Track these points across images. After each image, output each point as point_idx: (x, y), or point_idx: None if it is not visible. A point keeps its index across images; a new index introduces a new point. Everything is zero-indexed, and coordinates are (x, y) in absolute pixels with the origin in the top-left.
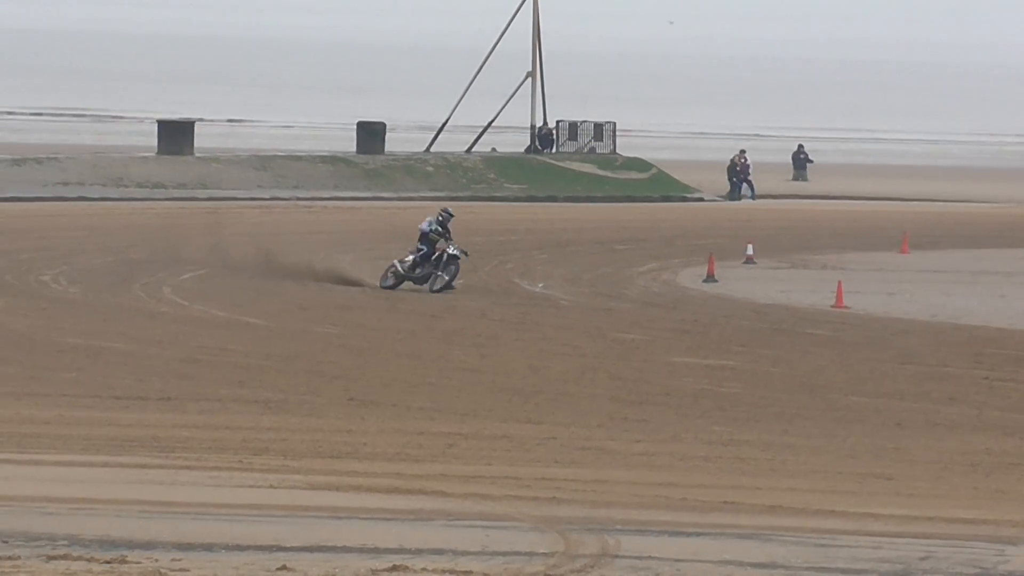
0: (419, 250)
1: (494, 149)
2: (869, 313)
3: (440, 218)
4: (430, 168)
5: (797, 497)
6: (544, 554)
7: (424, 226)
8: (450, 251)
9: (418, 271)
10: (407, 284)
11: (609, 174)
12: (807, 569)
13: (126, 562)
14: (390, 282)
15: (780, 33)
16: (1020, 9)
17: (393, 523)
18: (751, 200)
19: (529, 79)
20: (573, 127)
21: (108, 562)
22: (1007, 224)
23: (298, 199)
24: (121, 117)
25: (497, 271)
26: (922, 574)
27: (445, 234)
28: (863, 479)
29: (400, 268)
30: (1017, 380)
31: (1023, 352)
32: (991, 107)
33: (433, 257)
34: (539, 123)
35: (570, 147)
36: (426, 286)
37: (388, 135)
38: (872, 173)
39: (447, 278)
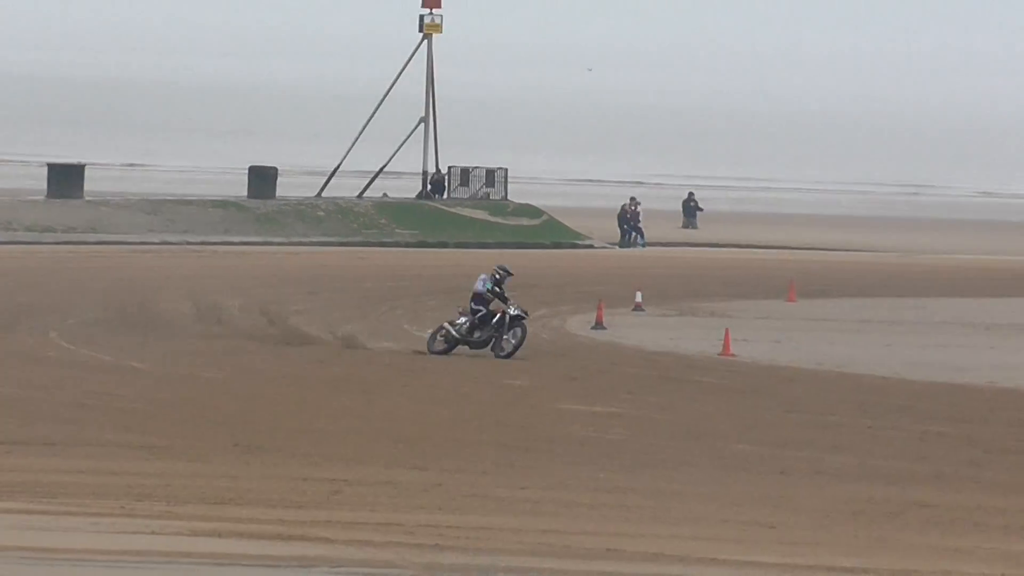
0: (474, 311)
1: (385, 194)
2: (756, 361)
3: (497, 276)
4: (321, 213)
5: (680, 545)
6: None
7: (479, 286)
8: (512, 312)
9: (477, 335)
10: (461, 348)
11: (500, 220)
12: None
13: None
14: (440, 347)
15: (675, 81)
16: (902, 59)
17: (276, 570)
18: (641, 247)
19: (422, 125)
20: (465, 173)
21: None
22: (892, 273)
23: (188, 243)
24: (9, 160)
25: (386, 317)
26: None
27: (501, 293)
28: (747, 527)
29: (454, 331)
30: (900, 428)
31: (907, 401)
32: (876, 157)
33: (494, 319)
34: (431, 169)
35: (462, 193)
36: (488, 350)
37: (280, 179)
38: (760, 221)
39: (514, 342)
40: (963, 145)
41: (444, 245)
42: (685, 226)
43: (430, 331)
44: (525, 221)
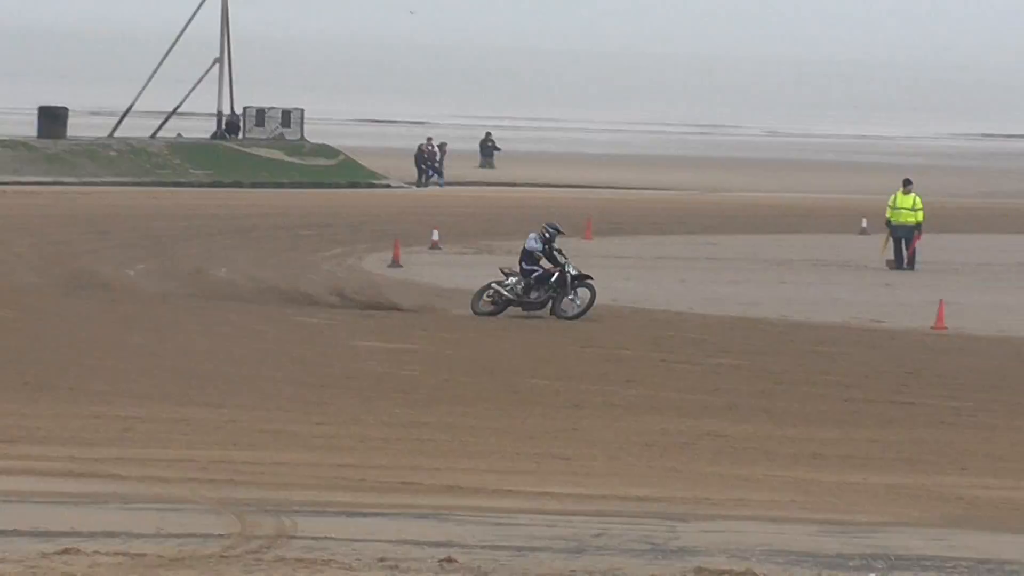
0: (527, 271)
1: (180, 135)
2: None
3: (546, 235)
4: (113, 153)
5: (475, 477)
6: (220, 536)
7: (531, 244)
8: (572, 272)
9: (535, 295)
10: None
11: (296, 160)
12: (483, 548)
13: None
14: (487, 308)
15: (475, 21)
16: (693, 4)
17: (66, 507)
18: (439, 187)
19: (217, 65)
20: (261, 113)
21: None
22: (686, 211)
23: None
24: None
25: (180, 256)
26: (596, 551)
27: (550, 252)
28: (541, 459)
29: (505, 292)
30: (693, 362)
31: (700, 335)
32: (668, 98)
33: (553, 279)
34: (226, 110)
35: (257, 134)
36: (547, 311)
37: (71, 120)
38: (556, 161)
39: (579, 304)
40: (749, 88)
41: (239, 185)
42: (482, 166)
43: (475, 292)
44: (321, 161)
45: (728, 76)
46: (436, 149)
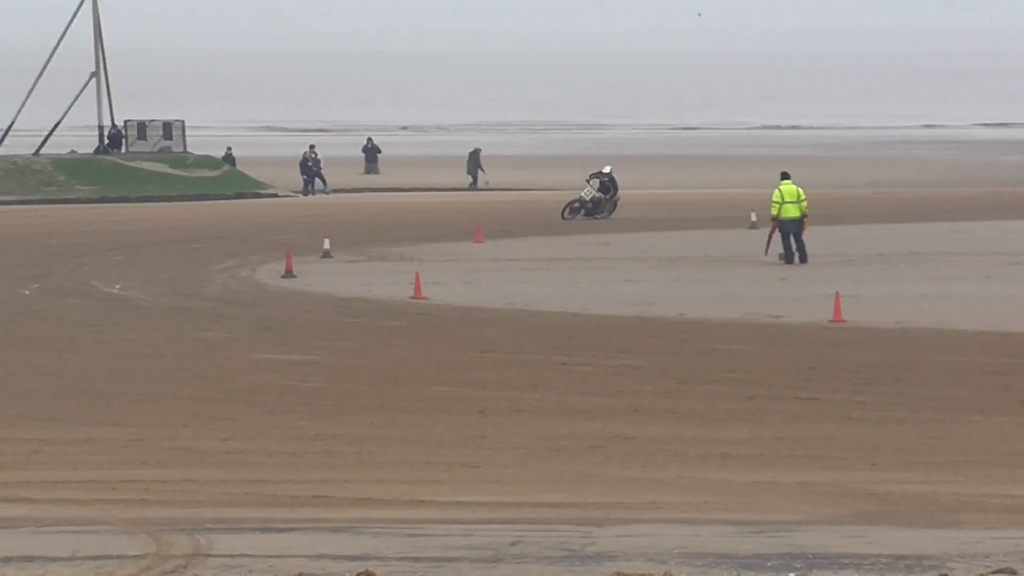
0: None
1: (73, 151)
2: (448, 303)
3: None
4: None
5: (386, 489)
6: (135, 556)
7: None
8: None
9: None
10: None
11: (181, 172)
12: (399, 560)
13: None
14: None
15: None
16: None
17: None
18: (325, 194)
19: (94, 79)
20: (142, 126)
21: None
22: None
23: None
24: None
25: (73, 274)
26: (513, 559)
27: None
28: (450, 467)
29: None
30: (594, 365)
31: (599, 337)
32: (555, 95)
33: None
34: (107, 123)
35: (140, 147)
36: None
37: None
38: (440, 164)
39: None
40: (632, 83)
41: (126, 200)
42: (367, 171)
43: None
44: (206, 172)
45: (610, 72)
46: (320, 156)
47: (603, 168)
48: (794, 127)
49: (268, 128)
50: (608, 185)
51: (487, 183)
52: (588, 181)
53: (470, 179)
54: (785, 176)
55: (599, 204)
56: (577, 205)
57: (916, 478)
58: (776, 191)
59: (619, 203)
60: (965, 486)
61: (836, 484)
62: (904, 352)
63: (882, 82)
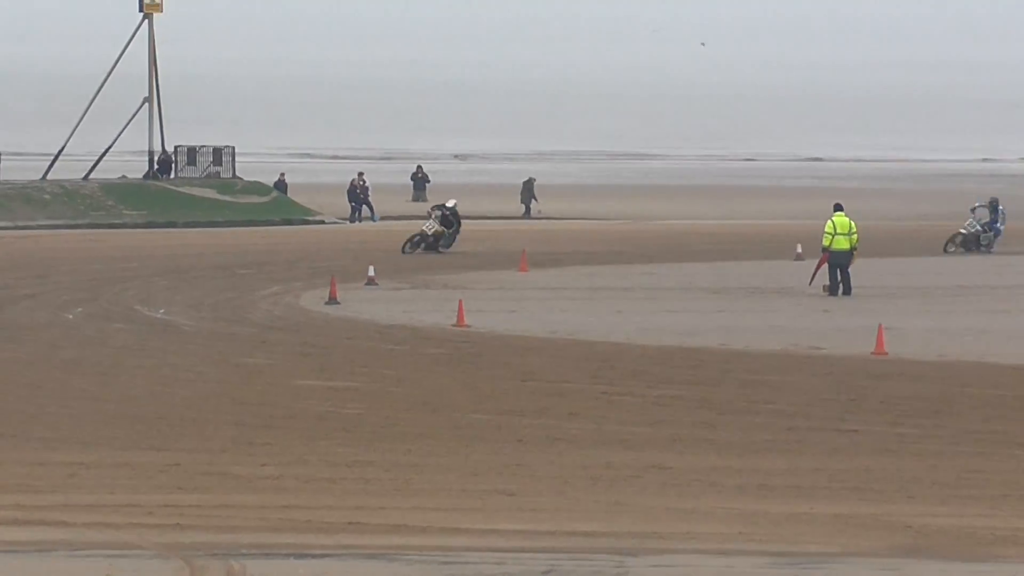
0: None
1: (124, 176)
2: (491, 331)
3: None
4: (47, 196)
5: (422, 516)
6: None
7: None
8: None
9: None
10: None
11: (229, 199)
12: None
13: None
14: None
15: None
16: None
17: (14, 555)
18: (372, 222)
19: (146, 104)
20: (192, 152)
21: None
22: (621, 240)
23: None
24: None
25: (118, 298)
26: None
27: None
28: (486, 496)
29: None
30: (634, 394)
31: (640, 366)
32: (599, 124)
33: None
34: (157, 149)
35: (190, 172)
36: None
37: (3, 163)
38: (489, 192)
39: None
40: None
41: (173, 225)
42: (415, 199)
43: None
44: (255, 199)
45: (662, 102)
46: (368, 184)
47: (447, 202)
48: (846, 160)
49: (318, 156)
50: (451, 218)
51: (540, 212)
52: (430, 214)
53: (523, 208)
54: (838, 208)
55: (439, 237)
56: (418, 239)
57: (953, 512)
58: (829, 222)
59: (458, 237)
60: (1002, 520)
61: (873, 517)
62: (945, 385)
63: (939, 115)
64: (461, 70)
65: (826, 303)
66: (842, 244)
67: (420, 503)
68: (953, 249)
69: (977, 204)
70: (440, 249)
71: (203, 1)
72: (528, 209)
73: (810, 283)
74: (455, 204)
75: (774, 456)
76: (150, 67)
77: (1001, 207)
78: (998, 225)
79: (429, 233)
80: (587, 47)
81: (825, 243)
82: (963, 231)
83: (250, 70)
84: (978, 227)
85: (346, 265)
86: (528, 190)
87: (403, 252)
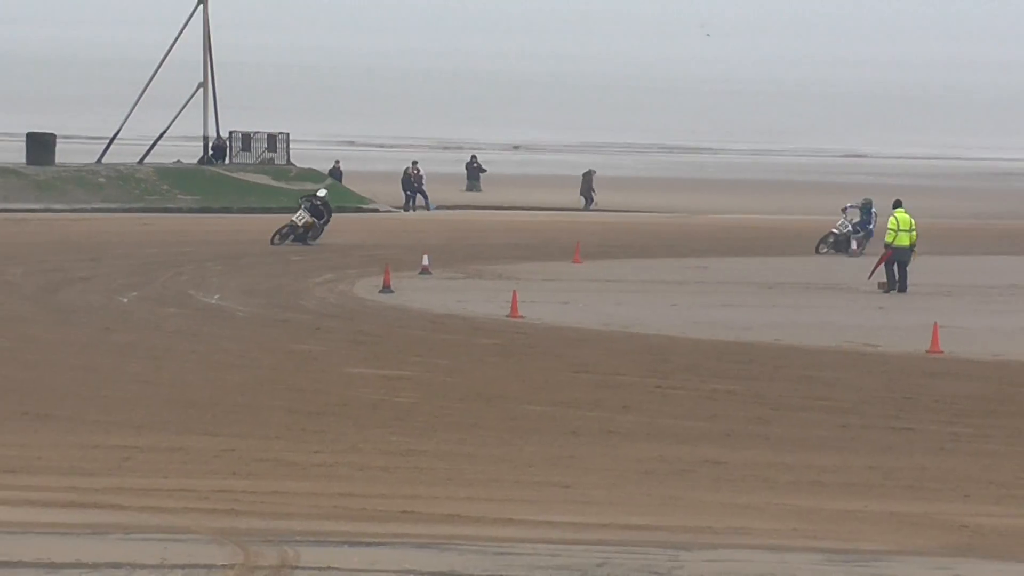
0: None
1: (179, 161)
2: (544, 322)
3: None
4: (102, 179)
5: (475, 506)
6: (223, 566)
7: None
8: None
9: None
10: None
11: (283, 185)
12: None
13: None
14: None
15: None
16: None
17: (69, 537)
18: (427, 211)
19: (201, 90)
20: (247, 138)
21: None
22: (675, 234)
23: None
24: None
25: (172, 283)
26: None
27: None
28: (540, 487)
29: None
30: (688, 388)
31: (694, 360)
32: (655, 118)
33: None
34: (212, 134)
35: (244, 158)
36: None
37: (59, 146)
38: (542, 183)
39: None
40: (737, 108)
41: (227, 210)
42: (469, 188)
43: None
44: (309, 185)
45: (713, 97)
46: (422, 173)
47: (317, 191)
48: (898, 157)
49: (371, 144)
50: (321, 210)
51: (597, 204)
52: (300, 203)
53: (583, 200)
54: (898, 204)
55: (309, 228)
56: (286, 230)
57: (1008, 511)
58: (891, 218)
59: (327, 228)
60: None
61: (927, 515)
62: (1000, 384)
63: (991, 113)
64: (512, 61)
65: (881, 300)
66: (903, 241)
67: (473, 493)
68: (825, 250)
69: (849, 204)
70: (308, 241)
71: None
72: (589, 200)
73: (869, 278)
74: (326, 195)
75: (828, 453)
76: (205, 52)
77: (874, 209)
78: (869, 226)
79: (299, 224)
80: (638, 41)
81: (888, 239)
82: (835, 231)
83: (302, 58)
84: (849, 227)
85: (400, 254)
86: (587, 182)
87: (272, 244)
